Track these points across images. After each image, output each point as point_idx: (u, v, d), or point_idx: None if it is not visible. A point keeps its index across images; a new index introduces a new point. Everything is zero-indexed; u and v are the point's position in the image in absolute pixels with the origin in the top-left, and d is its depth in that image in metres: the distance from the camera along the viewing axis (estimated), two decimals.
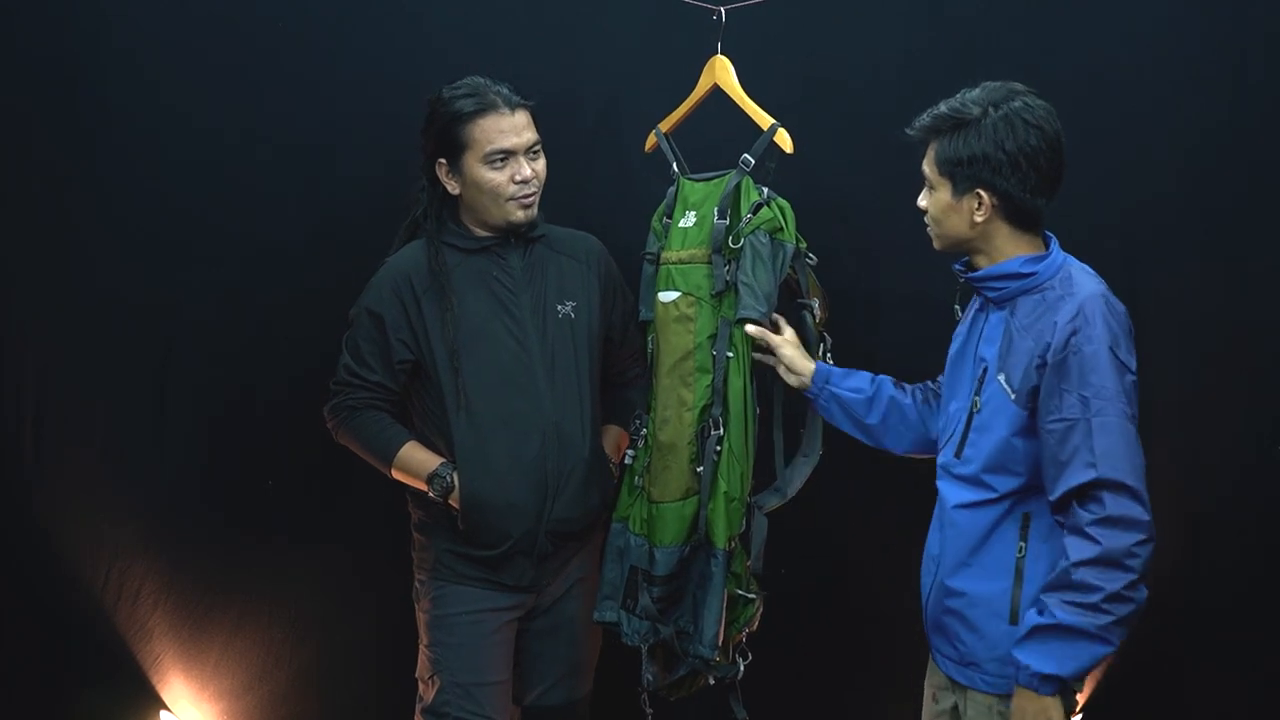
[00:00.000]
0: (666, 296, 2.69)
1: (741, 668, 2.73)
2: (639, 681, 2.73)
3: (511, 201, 2.65)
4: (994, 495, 2.29)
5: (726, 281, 2.62)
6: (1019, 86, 2.31)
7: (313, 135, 3.17)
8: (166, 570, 3.28)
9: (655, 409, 2.70)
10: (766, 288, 2.62)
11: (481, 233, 2.70)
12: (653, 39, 3.07)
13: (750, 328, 2.60)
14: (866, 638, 3.17)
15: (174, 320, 3.23)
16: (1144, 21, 3.00)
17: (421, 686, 2.73)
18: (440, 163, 2.67)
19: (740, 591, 2.68)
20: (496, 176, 2.63)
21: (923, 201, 2.38)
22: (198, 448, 3.26)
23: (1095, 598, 2.13)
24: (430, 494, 2.64)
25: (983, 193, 2.27)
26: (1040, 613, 2.17)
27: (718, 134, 2.82)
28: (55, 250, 3.22)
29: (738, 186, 2.64)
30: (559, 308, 2.72)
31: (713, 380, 2.63)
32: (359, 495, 3.07)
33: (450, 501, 2.64)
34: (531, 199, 2.67)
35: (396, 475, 2.69)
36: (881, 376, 2.63)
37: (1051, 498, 2.21)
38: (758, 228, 2.63)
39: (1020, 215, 2.30)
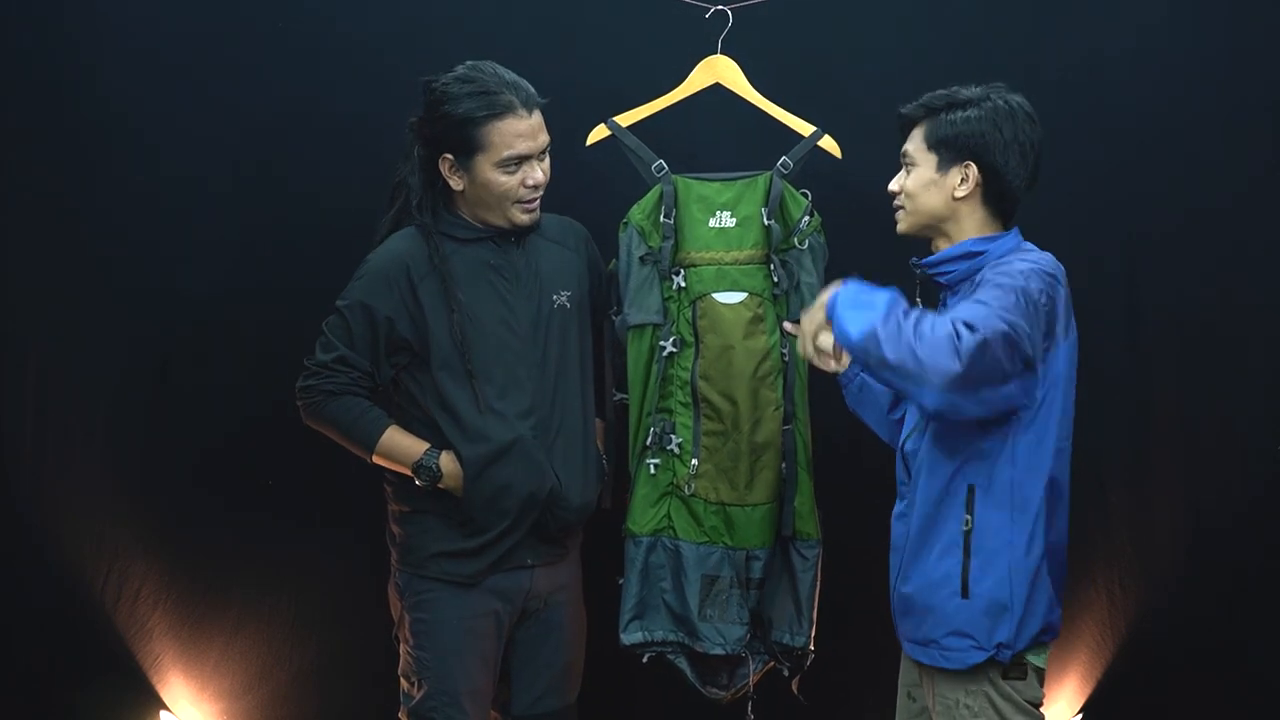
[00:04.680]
0: (731, 298, 2.72)
1: (813, 654, 2.76)
2: (670, 695, 2.80)
3: (518, 205, 2.60)
4: (938, 469, 2.30)
5: (789, 282, 2.70)
6: (1005, 89, 2.35)
7: (312, 133, 3.17)
8: (166, 570, 3.28)
9: (736, 412, 2.71)
10: (822, 286, 2.69)
11: (478, 223, 2.65)
12: (651, 37, 3.07)
13: (789, 325, 2.64)
14: (849, 635, 3.16)
15: (174, 321, 3.23)
16: (1144, 21, 3.00)
17: (405, 685, 2.69)
18: (446, 158, 2.59)
19: None
20: (509, 181, 2.57)
21: (895, 184, 2.40)
22: (198, 448, 3.26)
23: (903, 333, 2.08)
24: (417, 482, 2.61)
25: (972, 165, 2.30)
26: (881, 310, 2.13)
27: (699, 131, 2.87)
28: (55, 251, 3.22)
29: (782, 189, 2.71)
30: (554, 298, 2.68)
31: (785, 378, 2.71)
32: (359, 495, 3.06)
33: (439, 487, 2.60)
34: (537, 202, 2.62)
35: (379, 461, 2.65)
36: None
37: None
38: (815, 230, 2.72)
39: (998, 198, 2.32)
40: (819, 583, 2.75)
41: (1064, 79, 3.02)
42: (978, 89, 2.34)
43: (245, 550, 3.29)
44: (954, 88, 2.35)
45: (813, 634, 2.73)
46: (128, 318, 3.23)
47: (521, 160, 2.57)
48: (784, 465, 2.73)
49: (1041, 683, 2.33)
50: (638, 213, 2.75)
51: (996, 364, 2.11)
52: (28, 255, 3.23)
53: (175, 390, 3.26)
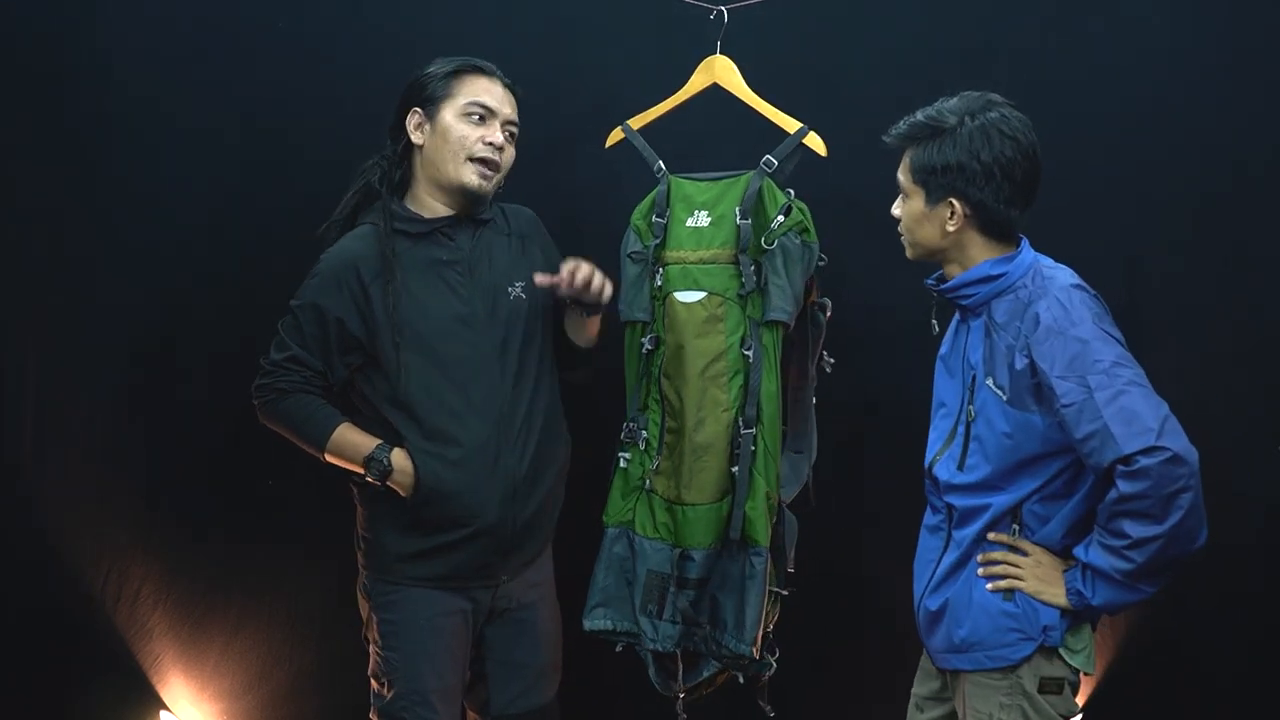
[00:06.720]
0: (689, 297, 2.70)
1: (773, 664, 2.73)
2: (653, 688, 2.74)
3: (471, 163, 2.60)
4: (994, 498, 2.29)
5: (755, 282, 2.64)
6: (997, 98, 2.31)
7: (310, 135, 3.18)
8: (166, 570, 3.29)
9: (683, 410, 2.69)
10: (797, 289, 2.65)
11: (431, 207, 2.64)
12: (652, 37, 3.07)
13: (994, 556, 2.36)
14: (861, 642, 3.17)
15: (174, 321, 3.24)
16: (1145, 20, 3.00)
17: (375, 685, 2.70)
18: (415, 111, 2.62)
19: (772, 588, 2.70)
20: (468, 130, 2.59)
21: (896, 210, 2.38)
22: (197, 448, 3.27)
23: (1122, 543, 2.15)
24: (367, 478, 2.60)
25: (955, 202, 2.28)
26: (1085, 549, 2.21)
27: (706, 132, 2.85)
28: (55, 251, 3.23)
29: (760, 188, 2.66)
30: (509, 290, 2.68)
31: (747, 381, 2.65)
32: None
33: (390, 484, 2.59)
34: (492, 172, 2.63)
35: (330, 459, 2.64)
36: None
37: (1090, 472, 2.21)
38: (789, 229, 2.66)
39: (993, 225, 2.30)
40: (768, 590, 2.67)
41: (1062, 79, 3.01)
42: (960, 105, 2.28)
43: (245, 550, 3.29)
44: (940, 104, 2.31)
45: (758, 643, 2.65)
46: (128, 318, 3.23)
47: (485, 114, 2.59)
48: (735, 468, 2.66)
49: (1076, 692, 2.33)
50: (637, 213, 2.78)
51: (1169, 461, 2.15)
52: (27, 255, 3.24)
53: (175, 390, 3.26)
